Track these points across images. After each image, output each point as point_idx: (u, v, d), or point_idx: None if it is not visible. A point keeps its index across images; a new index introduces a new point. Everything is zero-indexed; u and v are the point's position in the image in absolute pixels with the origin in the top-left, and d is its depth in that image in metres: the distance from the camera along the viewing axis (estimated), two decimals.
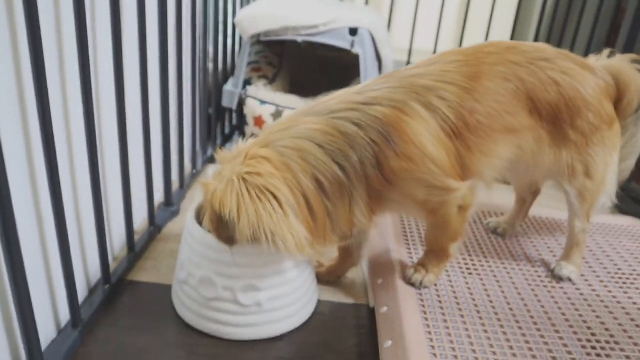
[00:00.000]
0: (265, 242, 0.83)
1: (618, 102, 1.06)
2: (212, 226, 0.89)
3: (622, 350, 0.92)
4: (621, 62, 1.08)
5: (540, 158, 1.02)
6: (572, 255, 1.14)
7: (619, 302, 1.06)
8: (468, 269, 1.15)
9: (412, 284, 1.05)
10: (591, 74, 1.01)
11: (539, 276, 1.14)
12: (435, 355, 0.88)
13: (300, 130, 0.89)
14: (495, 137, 0.94)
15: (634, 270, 1.18)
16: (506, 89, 0.94)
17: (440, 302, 1.02)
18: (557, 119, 0.99)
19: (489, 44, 1.01)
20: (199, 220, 1.01)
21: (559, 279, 1.12)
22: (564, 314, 1.01)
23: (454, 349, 0.90)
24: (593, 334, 0.96)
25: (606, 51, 1.12)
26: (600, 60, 1.09)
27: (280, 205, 0.84)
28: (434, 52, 2.22)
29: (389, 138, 0.88)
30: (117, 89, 1.02)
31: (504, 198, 1.44)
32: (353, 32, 1.63)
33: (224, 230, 0.87)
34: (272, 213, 0.83)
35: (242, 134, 1.81)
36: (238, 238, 0.85)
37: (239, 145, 0.95)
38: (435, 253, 1.06)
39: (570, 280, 1.12)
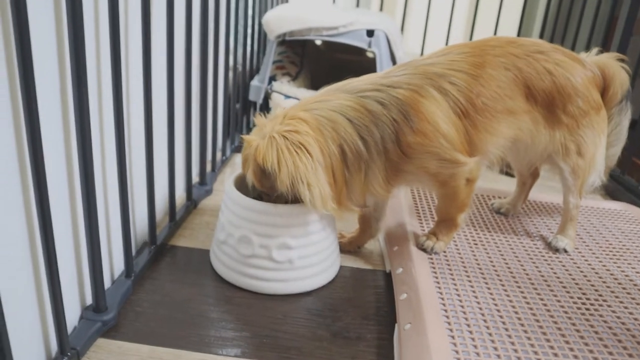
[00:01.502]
0: (302, 191, 0.96)
1: (604, 92, 1.20)
2: (254, 177, 1.02)
3: (609, 306, 1.05)
4: (608, 58, 1.22)
5: (537, 138, 1.16)
6: (566, 229, 1.27)
7: (608, 270, 1.19)
8: (474, 241, 1.28)
9: (424, 249, 1.19)
10: (581, 66, 1.15)
11: (537, 248, 1.27)
12: (444, 304, 1.01)
13: (334, 104, 1.03)
14: (498, 117, 1.08)
15: (624, 245, 1.31)
16: (506, 77, 1.09)
17: (449, 265, 1.16)
18: (550, 104, 1.13)
19: (492, 38, 1.16)
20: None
21: (555, 250, 1.26)
22: (558, 278, 1.14)
23: (460, 301, 1.03)
24: (584, 294, 1.09)
25: (595, 49, 1.26)
26: (590, 56, 1.23)
27: (313, 160, 0.97)
28: None
29: (407, 116, 1.02)
30: (169, 89, 1.19)
31: (507, 186, 1.57)
32: (370, 33, 1.78)
33: (265, 180, 1.02)
34: (307, 165, 0.96)
35: None
36: (278, 186, 0.98)
37: (275, 113, 1.09)
38: (445, 223, 1.19)
39: (565, 251, 1.25)
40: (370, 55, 1.82)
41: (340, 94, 1.04)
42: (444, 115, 1.04)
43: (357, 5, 2.50)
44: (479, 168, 1.12)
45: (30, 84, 0.68)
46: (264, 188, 1.04)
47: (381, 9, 2.48)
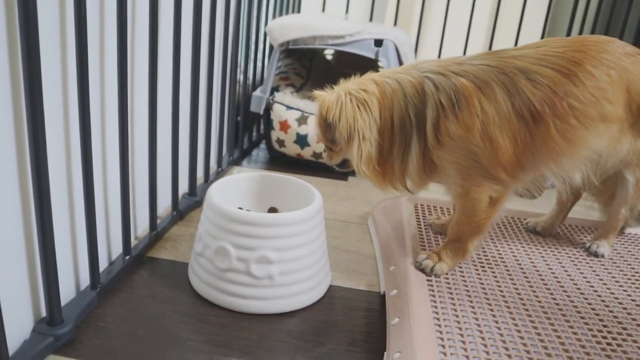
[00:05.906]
0: (355, 143, 0.98)
1: None
2: (319, 129, 1.06)
3: (634, 341, 0.91)
4: None
5: (619, 148, 1.04)
6: (609, 237, 1.25)
7: (634, 300, 1.04)
8: (481, 263, 1.15)
9: (422, 270, 1.06)
10: None
11: (553, 274, 1.13)
12: (441, 332, 0.88)
13: (402, 77, 1.00)
14: (588, 124, 0.95)
15: None
16: (610, 76, 0.95)
17: (449, 289, 1.03)
18: None
19: (590, 36, 1.03)
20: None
21: (595, 255, 1.23)
22: (576, 307, 1.00)
23: (460, 329, 0.90)
24: (605, 326, 0.95)
25: None
26: None
27: (371, 117, 0.98)
28: None
29: (455, 103, 0.94)
30: (151, 94, 1.11)
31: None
32: (378, 43, 1.69)
33: (328, 132, 1.03)
34: (365, 120, 0.98)
35: (268, 143, 1.86)
36: (337, 137, 1.00)
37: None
38: (454, 244, 1.08)
39: (603, 257, 1.23)
40: (380, 64, 1.73)
41: (411, 70, 1.01)
42: (500, 120, 0.94)
43: (371, 20, 2.42)
44: (507, 192, 1.02)
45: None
46: (327, 141, 1.06)
47: (395, 24, 2.40)
